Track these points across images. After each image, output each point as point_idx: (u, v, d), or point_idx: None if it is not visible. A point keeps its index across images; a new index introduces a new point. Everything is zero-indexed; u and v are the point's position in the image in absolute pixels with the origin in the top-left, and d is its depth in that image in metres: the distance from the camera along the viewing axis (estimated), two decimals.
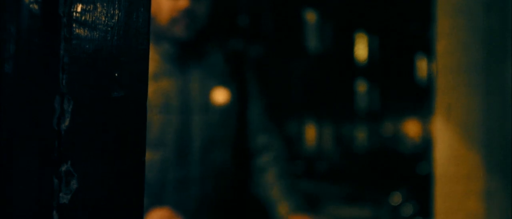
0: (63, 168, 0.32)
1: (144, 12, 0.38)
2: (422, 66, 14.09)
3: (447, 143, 1.75)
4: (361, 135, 12.17)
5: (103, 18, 0.35)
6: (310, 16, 10.73)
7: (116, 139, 0.36)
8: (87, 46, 0.34)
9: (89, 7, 0.34)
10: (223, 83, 1.19)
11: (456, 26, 1.84)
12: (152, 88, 1.09)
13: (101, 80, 0.35)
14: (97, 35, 0.35)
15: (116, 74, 0.36)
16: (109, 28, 0.36)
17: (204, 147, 1.12)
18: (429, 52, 13.27)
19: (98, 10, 0.35)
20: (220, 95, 1.14)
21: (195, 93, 1.14)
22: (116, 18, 0.36)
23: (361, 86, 12.61)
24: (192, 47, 1.18)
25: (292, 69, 8.37)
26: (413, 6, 11.43)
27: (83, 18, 0.34)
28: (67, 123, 0.32)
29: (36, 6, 0.31)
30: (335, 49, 11.28)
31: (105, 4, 0.35)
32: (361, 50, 12.50)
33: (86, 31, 0.34)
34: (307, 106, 9.03)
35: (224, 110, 1.18)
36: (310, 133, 10.32)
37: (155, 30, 1.17)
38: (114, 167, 0.36)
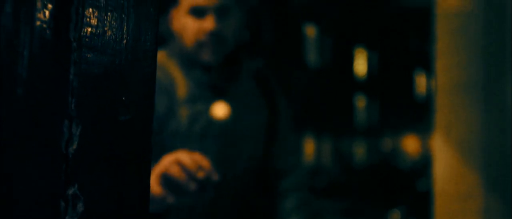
0: (70, 191, 0.33)
1: (152, 35, 0.39)
2: (421, 82, 14.12)
3: (447, 161, 1.75)
4: (360, 150, 12.15)
5: (112, 43, 0.36)
6: (310, 31, 10.78)
7: (122, 161, 0.37)
8: (96, 70, 0.35)
9: (98, 31, 0.35)
10: (255, 105, 1.17)
11: (455, 45, 1.85)
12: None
13: (109, 104, 0.36)
14: (106, 59, 0.35)
15: (124, 98, 0.37)
16: (118, 52, 0.36)
17: (237, 171, 1.10)
18: (428, 68, 13.32)
19: (107, 34, 0.36)
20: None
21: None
22: (125, 42, 0.37)
23: (360, 101, 12.62)
24: (222, 71, 1.15)
25: (292, 83, 8.39)
26: (412, 23, 11.49)
27: (92, 42, 0.35)
28: (75, 146, 0.33)
29: (48, 32, 0.31)
30: (334, 64, 11.31)
31: (114, 29, 0.36)
32: (361, 65, 12.55)
33: (95, 55, 0.35)
34: (306, 120, 9.03)
35: (256, 131, 1.15)
36: (309, 147, 10.30)
37: (182, 54, 1.14)
38: (120, 190, 0.36)
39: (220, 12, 1.07)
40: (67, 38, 0.33)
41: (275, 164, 1.18)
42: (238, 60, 1.17)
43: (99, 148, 0.35)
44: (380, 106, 12.81)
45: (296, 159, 1.22)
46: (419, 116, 12.16)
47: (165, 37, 1.18)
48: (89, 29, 0.34)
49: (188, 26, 1.09)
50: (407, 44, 12.90)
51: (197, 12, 1.08)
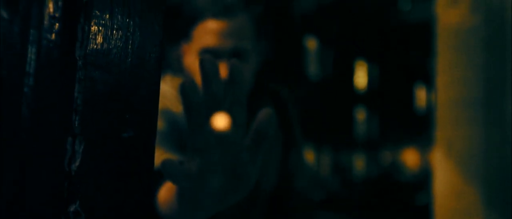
0: (72, 209, 0.33)
1: (156, 53, 0.39)
2: (421, 95, 14.14)
3: (447, 177, 1.75)
4: (359, 163, 12.13)
5: (117, 61, 0.36)
6: (311, 43, 10.82)
7: (124, 178, 0.37)
8: (100, 88, 0.35)
9: (104, 50, 0.35)
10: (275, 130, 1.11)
11: (456, 61, 1.86)
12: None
13: (112, 121, 0.36)
14: (110, 77, 0.36)
15: (127, 116, 0.37)
16: (122, 70, 0.36)
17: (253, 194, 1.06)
18: (428, 82, 13.36)
19: (113, 53, 0.36)
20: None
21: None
22: (129, 60, 0.37)
23: (360, 114, 12.63)
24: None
25: (293, 95, 8.40)
26: (413, 37, 11.54)
27: (97, 61, 0.35)
28: (77, 163, 0.33)
29: (55, 51, 0.32)
30: (335, 77, 11.34)
31: (119, 48, 0.36)
32: (361, 78, 12.57)
33: (100, 73, 0.35)
34: (305, 133, 9.04)
35: (272, 154, 1.10)
36: (309, 159, 10.28)
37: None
38: (121, 207, 0.36)
39: (237, 56, 0.94)
40: (73, 56, 0.33)
41: (288, 184, 1.16)
42: (254, 93, 1.08)
43: (102, 165, 0.35)
44: (380, 119, 12.82)
45: (309, 186, 1.19)
46: (419, 130, 12.16)
47: (175, 71, 1.06)
48: (95, 48, 0.35)
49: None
50: (407, 58, 12.94)
51: (211, 55, 0.95)
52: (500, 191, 1.70)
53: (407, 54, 12.94)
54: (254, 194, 1.03)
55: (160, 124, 0.82)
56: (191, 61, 0.95)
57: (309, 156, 10.29)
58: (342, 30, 11.24)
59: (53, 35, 0.32)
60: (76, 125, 0.33)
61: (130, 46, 0.37)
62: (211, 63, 0.41)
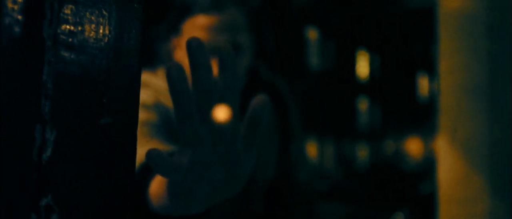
0: (43, 203, 0.30)
1: (136, 33, 0.36)
2: (423, 84, 14.08)
3: (451, 164, 1.72)
4: (362, 153, 12.11)
5: (92, 41, 0.33)
6: (312, 34, 10.76)
7: (103, 168, 0.34)
8: (73, 70, 0.32)
9: (77, 29, 0.32)
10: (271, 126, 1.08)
11: (458, 47, 1.82)
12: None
13: (88, 107, 0.33)
14: (85, 58, 0.33)
15: (105, 100, 0.34)
16: (98, 51, 0.33)
17: (250, 187, 1.03)
18: (430, 70, 13.30)
19: (87, 32, 0.33)
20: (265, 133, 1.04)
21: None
22: (106, 40, 0.34)
23: (363, 104, 12.59)
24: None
25: (294, 87, 8.36)
26: (415, 25, 11.47)
27: (70, 40, 0.32)
28: (48, 153, 0.30)
29: (17, 29, 0.29)
30: (336, 67, 11.29)
31: (94, 26, 0.33)
32: (363, 68, 12.52)
33: (72, 54, 0.32)
34: (308, 124, 9.00)
35: (269, 149, 1.08)
36: (311, 150, 10.26)
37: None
38: (100, 200, 0.33)
39: None
40: (40, 35, 0.30)
41: (288, 177, 1.13)
42: (250, 85, 1.04)
43: (77, 154, 0.32)
44: (382, 109, 12.77)
45: (306, 170, 1.17)
46: (422, 118, 12.11)
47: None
48: (66, 27, 0.32)
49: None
50: (409, 46, 12.87)
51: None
52: (506, 178, 1.67)
53: (409, 43, 12.88)
54: (251, 186, 1.01)
55: (155, 117, 0.79)
56: (182, 55, 0.91)
57: (312, 147, 10.28)
58: (343, 20, 11.18)
59: (17, 13, 0.29)
60: (47, 111, 0.30)
61: (106, 25, 0.34)
62: (198, 44, 0.38)
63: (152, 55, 0.97)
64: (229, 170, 0.41)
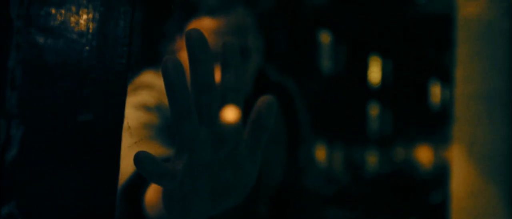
0: (5, 211, 0.25)
1: (126, 20, 0.31)
2: (435, 92, 13.94)
3: (465, 176, 1.66)
4: (372, 159, 12.01)
5: (72, 25, 0.29)
6: (325, 38, 10.70)
7: (79, 173, 0.29)
8: (48, 58, 0.27)
9: (53, 10, 0.28)
10: (276, 123, 1.04)
11: (475, 54, 1.77)
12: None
13: (65, 100, 0.28)
14: (63, 45, 0.28)
15: (84, 94, 0.29)
16: (79, 37, 0.29)
17: (255, 193, 0.99)
18: (443, 78, 13.15)
19: (65, 13, 0.28)
20: (271, 136, 0.99)
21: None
22: (90, 25, 0.30)
23: (374, 110, 12.49)
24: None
25: (305, 90, 8.30)
26: (429, 32, 11.35)
27: (45, 23, 0.27)
28: (13, 153, 0.26)
29: None
30: (348, 71, 11.21)
31: (75, 8, 0.29)
32: (375, 73, 12.42)
33: (49, 39, 0.27)
34: (318, 127, 8.93)
35: (276, 153, 1.03)
36: (320, 154, 10.20)
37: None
38: (75, 209, 0.29)
39: None
40: (6, 15, 0.26)
41: (294, 185, 1.09)
42: (256, 87, 1.00)
43: (49, 155, 0.28)
44: (393, 115, 12.65)
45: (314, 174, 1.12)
46: (433, 126, 11.98)
47: None
48: (42, 7, 0.27)
49: None
50: (422, 53, 12.75)
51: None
52: None
53: (422, 49, 12.76)
54: (257, 190, 0.96)
55: (157, 119, 0.75)
56: (186, 57, 0.86)
57: (321, 150, 10.21)
58: (357, 25, 11.10)
59: None
60: (13, 103, 0.26)
61: (90, 7, 0.29)
62: (199, 36, 0.33)
63: (157, 55, 0.94)
64: (230, 177, 0.37)
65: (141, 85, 0.81)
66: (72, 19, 0.29)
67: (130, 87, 0.82)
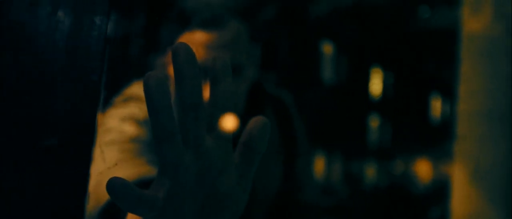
0: None
1: (101, 17, 0.28)
2: (436, 106, 13.92)
3: (467, 195, 1.62)
4: (370, 172, 11.96)
5: (42, 32, 0.25)
6: (327, 48, 10.70)
7: (41, 202, 0.26)
8: (9, 72, 0.24)
9: (17, 16, 0.24)
10: (271, 139, 0.99)
11: (479, 71, 1.74)
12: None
13: (27, 122, 0.25)
14: (27, 57, 0.24)
15: (50, 115, 0.26)
16: (46, 48, 0.25)
17: (251, 207, 0.95)
18: (444, 93, 13.14)
19: (33, 21, 0.25)
20: (267, 152, 0.96)
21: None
22: (58, 33, 0.26)
23: (374, 122, 12.47)
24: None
25: (305, 100, 8.28)
26: (432, 46, 11.36)
27: (9, 31, 0.24)
28: None
29: None
30: (349, 83, 11.20)
31: (44, 15, 0.25)
32: (376, 85, 12.42)
33: (9, 51, 0.24)
34: (317, 138, 8.90)
35: (271, 167, 1.00)
36: (318, 165, 10.15)
37: None
38: None
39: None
40: None
41: (291, 198, 1.05)
42: (251, 101, 0.97)
43: (8, 183, 0.24)
44: (393, 128, 12.62)
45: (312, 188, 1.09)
46: (433, 141, 11.94)
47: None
48: (1, 11, 0.24)
49: None
50: (424, 67, 12.75)
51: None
52: None
53: (424, 63, 12.76)
54: (251, 205, 0.93)
55: (145, 134, 0.72)
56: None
57: (319, 162, 10.16)
58: (359, 36, 11.11)
59: None
60: None
61: (59, 14, 0.26)
62: (185, 50, 0.30)
63: (146, 68, 0.91)
64: (217, 206, 0.33)
65: (130, 97, 0.78)
66: (36, 26, 0.25)
67: (118, 99, 0.79)
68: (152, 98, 0.28)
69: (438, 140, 11.25)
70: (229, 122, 0.32)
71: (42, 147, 0.25)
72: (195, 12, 0.79)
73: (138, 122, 0.73)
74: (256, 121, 0.33)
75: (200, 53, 0.77)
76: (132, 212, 0.29)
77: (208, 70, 0.40)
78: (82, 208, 0.27)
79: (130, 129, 0.70)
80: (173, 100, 0.30)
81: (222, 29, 0.79)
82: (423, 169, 12.48)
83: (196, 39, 0.78)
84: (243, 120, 0.36)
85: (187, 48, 0.30)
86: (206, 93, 0.35)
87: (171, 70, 0.85)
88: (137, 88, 0.81)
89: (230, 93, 0.33)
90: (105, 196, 0.53)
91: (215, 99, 0.32)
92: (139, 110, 0.75)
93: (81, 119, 0.27)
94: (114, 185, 0.27)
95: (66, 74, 0.26)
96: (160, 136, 0.29)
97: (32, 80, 0.25)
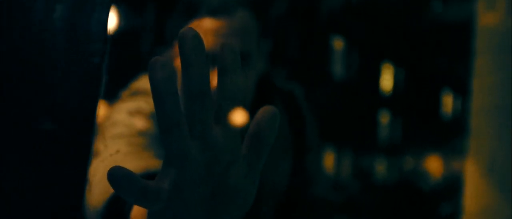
0: None
1: (101, 11, 0.26)
2: (447, 102, 13.81)
3: (480, 191, 1.60)
4: (380, 168, 11.91)
5: (39, 16, 0.24)
6: (337, 43, 10.65)
7: (40, 190, 0.24)
8: (8, 55, 0.22)
9: None
10: (281, 132, 0.98)
11: (494, 65, 1.71)
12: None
13: (25, 107, 0.23)
14: (22, 38, 0.23)
15: (50, 99, 0.24)
16: (44, 29, 0.24)
17: (259, 202, 0.94)
18: (456, 88, 13.03)
19: (31, 1, 0.23)
20: (276, 145, 0.94)
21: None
22: (58, 15, 0.24)
23: (384, 118, 12.40)
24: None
25: (315, 95, 8.25)
26: (442, 41, 11.25)
27: (8, 13, 0.22)
28: None
29: None
30: (360, 78, 11.14)
31: None
32: (387, 80, 12.34)
33: (8, 32, 0.22)
34: (327, 133, 8.87)
35: (280, 162, 0.99)
36: (328, 161, 10.13)
37: None
38: None
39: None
40: None
41: (301, 193, 1.04)
42: (260, 94, 0.95)
43: (5, 169, 0.22)
44: (404, 124, 12.54)
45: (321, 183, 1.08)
46: (444, 137, 11.85)
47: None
48: None
49: None
50: (435, 62, 12.64)
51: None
52: None
53: (436, 58, 12.65)
54: (261, 200, 0.92)
55: (153, 127, 0.71)
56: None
57: (329, 157, 10.14)
58: (370, 31, 11.03)
59: None
60: None
61: None
62: (193, 36, 0.28)
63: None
64: (225, 198, 0.32)
65: (137, 90, 0.76)
66: (31, 4, 0.24)
67: (126, 93, 0.77)
68: (157, 84, 0.27)
69: (449, 136, 11.17)
70: (237, 114, 0.31)
71: (41, 131, 0.24)
72: (204, 2, 0.77)
73: (145, 116, 0.72)
74: (264, 110, 0.32)
75: (208, 41, 0.76)
76: (136, 203, 0.28)
77: (216, 58, 0.39)
78: (81, 193, 0.25)
79: (137, 123, 0.69)
80: (180, 89, 0.29)
81: (231, 17, 0.77)
82: (433, 165, 12.39)
83: (204, 26, 0.76)
84: (251, 113, 0.34)
85: (194, 34, 0.29)
86: (214, 82, 0.33)
87: (178, 62, 0.84)
88: (144, 82, 0.80)
89: (238, 84, 0.31)
90: (110, 189, 0.52)
91: (223, 89, 0.30)
92: (146, 103, 0.74)
93: (82, 103, 0.25)
94: (116, 175, 0.25)
95: (66, 56, 0.25)
96: (165, 124, 0.28)
97: (30, 62, 0.23)
